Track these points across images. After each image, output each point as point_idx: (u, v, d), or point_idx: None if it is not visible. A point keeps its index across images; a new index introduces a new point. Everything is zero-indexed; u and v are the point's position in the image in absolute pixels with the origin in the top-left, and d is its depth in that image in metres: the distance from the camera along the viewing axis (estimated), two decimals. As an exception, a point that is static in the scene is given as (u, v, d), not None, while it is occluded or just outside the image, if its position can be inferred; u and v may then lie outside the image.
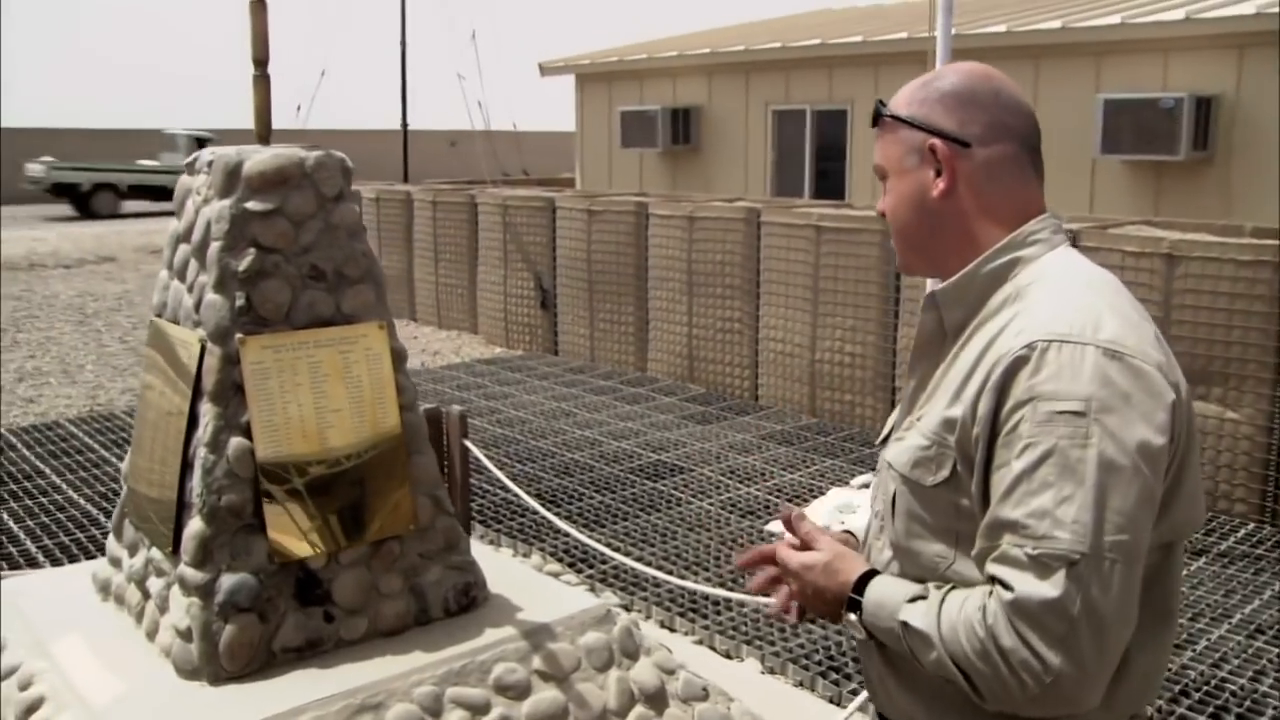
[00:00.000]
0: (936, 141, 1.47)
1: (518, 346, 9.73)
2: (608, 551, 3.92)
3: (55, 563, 4.62)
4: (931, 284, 1.63)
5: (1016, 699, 1.27)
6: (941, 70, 1.53)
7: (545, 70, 13.95)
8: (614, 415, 7.30)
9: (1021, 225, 1.47)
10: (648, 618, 4.29)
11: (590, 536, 4.91)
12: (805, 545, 1.58)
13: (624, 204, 8.55)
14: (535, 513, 4.50)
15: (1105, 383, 1.29)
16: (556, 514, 5.28)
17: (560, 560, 4.80)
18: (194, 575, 2.51)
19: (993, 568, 1.30)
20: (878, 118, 1.56)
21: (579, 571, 4.68)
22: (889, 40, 9.73)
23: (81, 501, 5.49)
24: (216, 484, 2.52)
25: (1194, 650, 3.94)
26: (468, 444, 4.67)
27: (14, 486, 5.74)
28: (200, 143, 26.55)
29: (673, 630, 4.18)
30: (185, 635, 2.51)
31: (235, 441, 2.55)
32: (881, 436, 1.65)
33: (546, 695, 2.67)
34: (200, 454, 2.54)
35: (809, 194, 11.02)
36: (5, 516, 5.29)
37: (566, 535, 4.69)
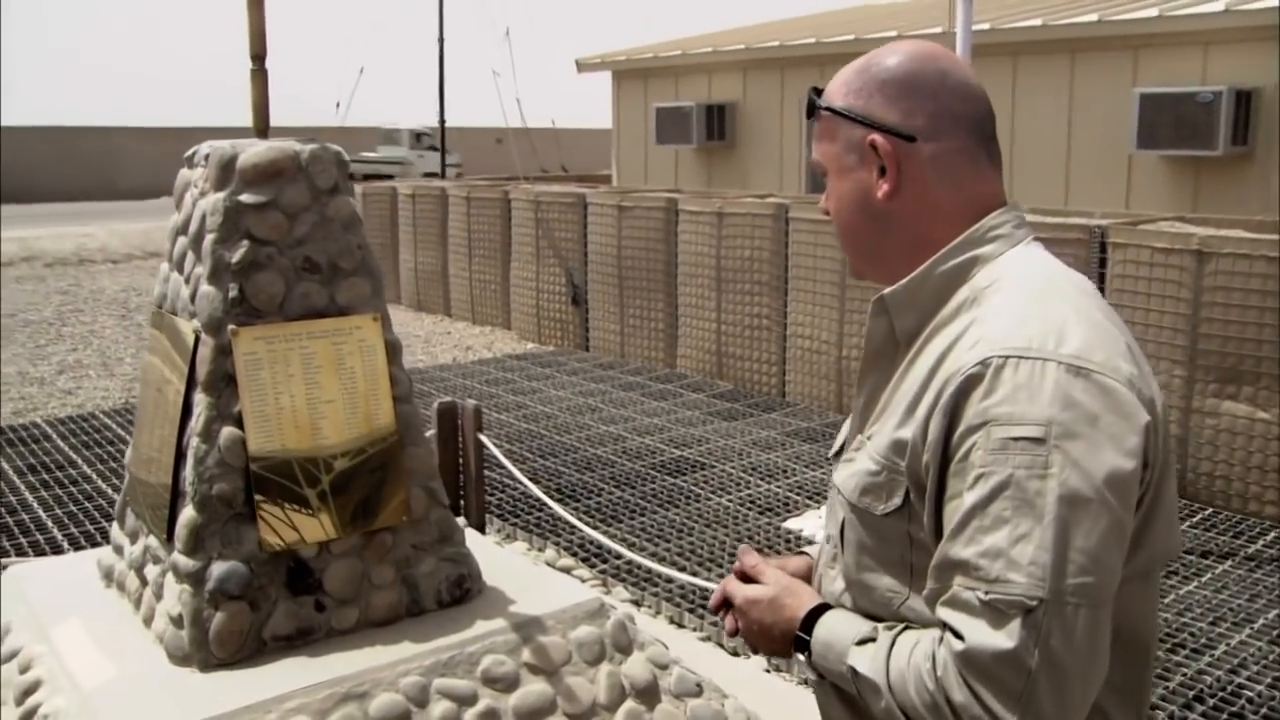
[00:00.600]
0: (877, 137, 1.33)
1: (549, 342, 9.76)
2: (615, 546, 3.93)
3: (79, 550, 4.71)
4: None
5: None
6: (881, 52, 1.37)
7: (582, 67, 13.97)
8: (640, 411, 7.30)
9: (978, 221, 1.34)
10: (657, 613, 4.28)
11: (605, 532, 4.91)
12: (751, 578, 1.48)
13: (654, 200, 8.55)
14: (550, 507, 4.51)
15: (1068, 404, 1.16)
16: (575, 509, 5.29)
17: (574, 555, 4.81)
18: (186, 563, 2.54)
19: (943, 612, 1.18)
20: (812, 109, 1.40)
21: (592, 566, 4.68)
22: (923, 35, 9.62)
23: (109, 491, 5.59)
24: (208, 473, 2.55)
25: (1212, 655, 3.86)
26: (482, 438, 4.70)
27: (45, 476, 5.86)
28: (418, 136, 28.25)
29: (681, 626, 4.17)
30: (177, 622, 2.54)
31: (227, 431, 2.58)
32: (833, 450, 1.50)
33: (535, 688, 2.67)
34: (193, 443, 2.57)
35: (844, 190, 10.93)
36: (35, 505, 5.40)
37: (581, 530, 4.69)
